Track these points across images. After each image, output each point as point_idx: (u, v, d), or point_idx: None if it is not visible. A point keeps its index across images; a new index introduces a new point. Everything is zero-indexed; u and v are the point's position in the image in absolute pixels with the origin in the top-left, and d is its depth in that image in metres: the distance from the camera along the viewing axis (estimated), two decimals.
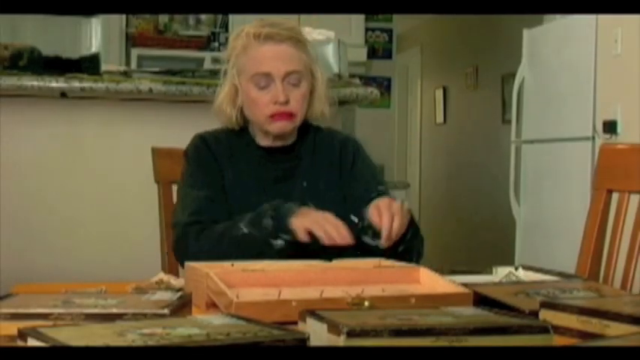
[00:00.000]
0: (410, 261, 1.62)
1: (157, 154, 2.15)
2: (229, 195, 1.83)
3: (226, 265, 1.47)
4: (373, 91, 2.64)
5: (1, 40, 2.98)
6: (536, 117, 4.46)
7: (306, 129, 1.91)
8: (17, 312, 1.06)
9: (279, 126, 1.81)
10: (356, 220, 1.72)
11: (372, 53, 6.17)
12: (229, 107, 1.86)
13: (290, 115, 1.79)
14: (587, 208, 1.88)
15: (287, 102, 1.78)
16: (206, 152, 1.86)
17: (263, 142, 1.88)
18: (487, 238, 6.33)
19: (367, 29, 6.03)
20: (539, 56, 4.42)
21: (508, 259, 4.47)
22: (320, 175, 1.86)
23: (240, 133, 1.89)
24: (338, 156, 1.89)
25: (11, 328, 0.97)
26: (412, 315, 1.01)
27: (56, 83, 2.42)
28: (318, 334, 0.94)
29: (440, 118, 7.71)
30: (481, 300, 1.27)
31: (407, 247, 1.69)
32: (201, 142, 1.88)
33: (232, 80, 1.84)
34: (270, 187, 1.83)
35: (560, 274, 1.55)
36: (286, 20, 1.84)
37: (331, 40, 2.57)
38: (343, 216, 1.70)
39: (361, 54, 5.82)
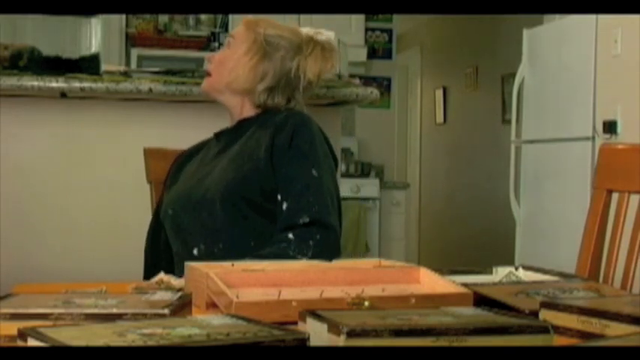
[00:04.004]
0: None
1: (149, 154, 2.18)
2: (180, 179, 2.00)
3: (226, 265, 1.47)
4: (373, 91, 2.63)
5: (1, 40, 2.98)
6: (536, 117, 4.46)
7: (269, 111, 1.97)
8: (17, 312, 1.06)
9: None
10: (279, 196, 1.79)
11: (372, 53, 6.17)
12: None
13: (208, 74, 1.99)
14: (587, 208, 1.88)
15: (210, 61, 2.00)
16: (175, 160, 2.08)
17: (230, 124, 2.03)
18: (487, 238, 6.32)
19: (367, 29, 6.03)
20: (539, 56, 4.43)
21: (508, 259, 4.47)
22: (254, 143, 1.88)
23: None
24: (274, 128, 1.87)
25: (11, 328, 0.97)
26: (412, 315, 1.01)
27: (56, 83, 2.41)
28: (318, 334, 0.94)
29: (440, 118, 7.71)
30: (481, 300, 1.27)
31: None
32: (180, 153, 2.09)
33: None
34: (207, 161, 1.97)
35: (560, 274, 1.55)
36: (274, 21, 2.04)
37: (331, 40, 2.56)
38: (271, 189, 1.80)
39: (361, 54, 5.81)
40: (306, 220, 1.75)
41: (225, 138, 1.98)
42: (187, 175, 1.98)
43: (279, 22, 2.02)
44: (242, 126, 1.96)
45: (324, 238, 1.73)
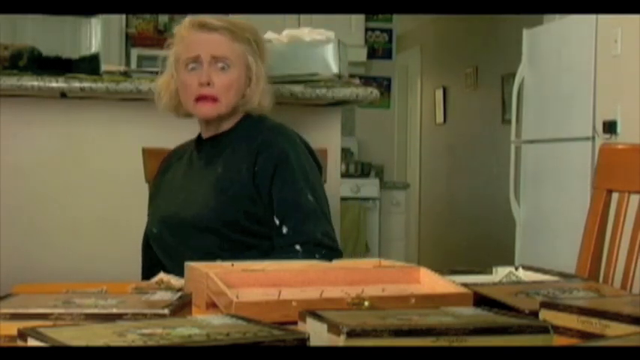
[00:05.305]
0: None
1: (147, 154, 2.20)
2: (162, 192, 1.98)
3: (226, 265, 1.47)
4: (373, 91, 2.63)
5: (1, 40, 2.98)
6: (536, 117, 4.46)
7: (245, 119, 1.95)
8: (17, 312, 1.06)
9: (203, 110, 1.88)
10: (277, 221, 1.80)
11: (372, 53, 6.16)
12: (163, 92, 1.97)
13: (214, 100, 1.86)
14: (587, 208, 1.88)
15: (209, 84, 1.85)
16: (158, 168, 2.06)
17: (203, 134, 1.97)
18: (487, 238, 6.32)
19: (367, 29, 6.03)
20: (539, 56, 4.42)
21: (508, 259, 4.47)
22: (236, 164, 1.86)
23: (199, 134, 2.02)
24: (255, 153, 1.85)
25: (11, 328, 0.97)
26: (412, 315, 1.01)
27: (56, 83, 2.41)
28: (318, 334, 0.94)
29: (440, 118, 7.71)
30: (481, 300, 1.27)
31: None
32: (165, 156, 2.07)
33: (170, 68, 1.95)
34: (192, 176, 1.93)
35: (560, 274, 1.55)
36: (233, 17, 1.96)
37: (331, 40, 2.56)
38: (255, 210, 1.79)
39: (361, 54, 5.81)
40: (310, 246, 1.77)
41: (207, 152, 1.95)
42: (170, 190, 1.96)
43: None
44: (223, 139, 1.93)
45: (330, 255, 1.74)
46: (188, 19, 1.92)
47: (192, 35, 1.89)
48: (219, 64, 1.87)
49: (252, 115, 1.95)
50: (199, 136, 2.01)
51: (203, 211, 1.82)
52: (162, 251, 1.91)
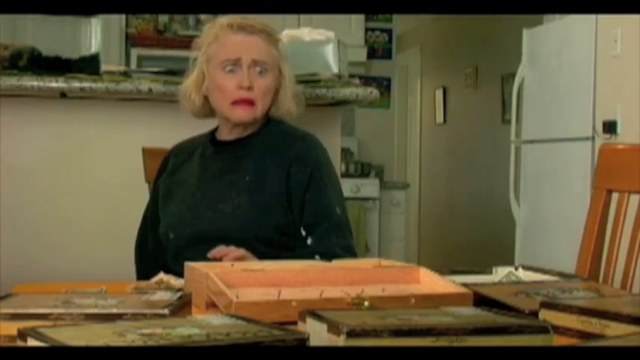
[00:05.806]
0: None
1: (147, 154, 2.19)
2: (177, 193, 1.92)
3: (226, 265, 1.47)
4: (373, 91, 2.63)
5: (1, 40, 2.98)
6: (536, 117, 4.46)
7: (267, 123, 1.93)
8: (17, 312, 1.06)
9: (239, 114, 1.86)
10: (304, 232, 1.81)
11: (372, 53, 6.16)
12: (194, 93, 1.93)
13: (251, 104, 1.84)
14: (587, 208, 1.88)
15: (250, 88, 1.83)
16: (163, 165, 2.01)
17: (224, 135, 1.94)
18: (487, 238, 6.32)
19: (367, 29, 6.03)
20: (539, 56, 4.42)
21: (508, 259, 4.47)
22: (266, 174, 1.85)
23: (211, 133, 1.99)
24: (289, 163, 1.85)
25: (11, 328, 0.97)
26: (412, 315, 1.01)
27: (56, 83, 2.41)
28: (318, 334, 0.94)
29: (440, 118, 7.70)
30: (481, 300, 1.27)
31: None
32: (168, 153, 2.03)
33: (201, 67, 1.91)
34: (213, 179, 1.89)
35: (560, 274, 1.55)
36: (261, 18, 1.93)
37: (331, 40, 2.56)
38: (285, 222, 1.79)
39: (361, 54, 5.81)
40: (329, 257, 1.77)
41: (228, 155, 1.91)
42: (185, 193, 1.91)
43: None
44: (247, 143, 1.90)
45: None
46: (225, 19, 1.89)
47: (229, 36, 1.86)
48: (258, 68, 1.85)
49: (274, 119, 1.94)
50: (213, 137, 1.97)
51: (234, 225, 1.80)
52: (178, 259, 1.85)
